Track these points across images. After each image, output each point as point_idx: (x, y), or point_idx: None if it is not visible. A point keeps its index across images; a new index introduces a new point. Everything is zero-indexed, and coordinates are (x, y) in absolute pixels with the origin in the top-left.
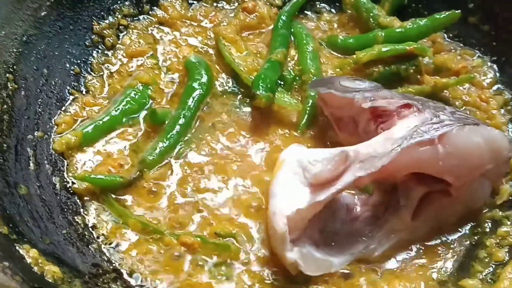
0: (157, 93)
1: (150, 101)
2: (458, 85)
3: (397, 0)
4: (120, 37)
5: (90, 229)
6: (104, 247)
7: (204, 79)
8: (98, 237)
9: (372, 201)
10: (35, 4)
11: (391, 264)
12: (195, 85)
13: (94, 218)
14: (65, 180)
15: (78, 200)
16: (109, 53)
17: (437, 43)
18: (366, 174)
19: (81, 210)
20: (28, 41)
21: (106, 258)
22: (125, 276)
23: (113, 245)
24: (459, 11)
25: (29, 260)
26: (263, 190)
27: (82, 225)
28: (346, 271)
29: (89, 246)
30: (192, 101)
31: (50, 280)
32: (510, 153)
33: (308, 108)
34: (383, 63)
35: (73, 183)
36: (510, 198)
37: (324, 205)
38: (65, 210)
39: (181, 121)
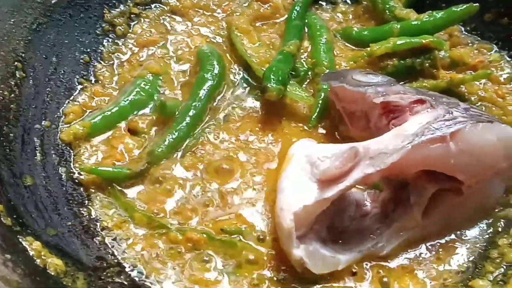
0: (168, 83)
1: (160, 92)
2: (475, 81)
3: None
4: (131, 26)
5: (95, 221)
6: (108, 240)
7: (216, 70)
8: (102, 230)
9: (382, 198)
10: None
11: (400, 261)
12: (207, 76)
13: (99, 210)
14: (71, 171)
15: (84, 192)
16: (120, 42)
17: (454, 36)
18: (375, 171)
19: (87, 201)
20: (38, 29)
21: (110, 252)
22: (129, 270)
23: (117, 238)
24: (477, 4)
25: (31, 253)
26: (273, 185)
27: (87, 217)
28: (354, 269)
29: (94, 239)
30: (203, 93)
31: (52, 273)
32: None
33: (320, 102)
34: (398, 57)
35: (79, 174)
36: None
37: (333, 202)
38: (71, 201)
39: (191, 112)
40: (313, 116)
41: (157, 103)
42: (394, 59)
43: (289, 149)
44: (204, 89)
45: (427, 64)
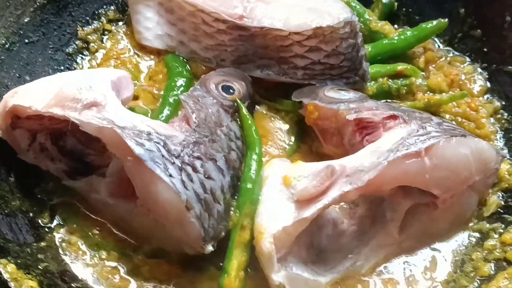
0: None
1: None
2: (452, 102)
3: (388, 6)
4: (104, 41)
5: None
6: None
7: (185, 77)
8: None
9: (358, 214)
10: (18, 11)
11: (376, 278)
12: (177, 83)
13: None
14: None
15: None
16: (93, 58)
17: (428, 49)
18: (352, 188)
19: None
20: (11, 48)
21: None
22: None
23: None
24: (446, 20)
25: (6, 276)
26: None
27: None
28: None
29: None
30: (173, 100)
31: None
32: (497, 165)
33: (294, 130)
34: (373, 79)
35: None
36: (498, 209)
37: (311, 221)
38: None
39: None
40: (292, 143)
41: None
42: (372, 82)
43: (262, 171)
44: (175, 97)
45: (404, 91)
